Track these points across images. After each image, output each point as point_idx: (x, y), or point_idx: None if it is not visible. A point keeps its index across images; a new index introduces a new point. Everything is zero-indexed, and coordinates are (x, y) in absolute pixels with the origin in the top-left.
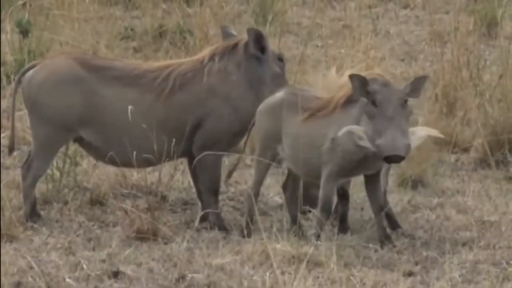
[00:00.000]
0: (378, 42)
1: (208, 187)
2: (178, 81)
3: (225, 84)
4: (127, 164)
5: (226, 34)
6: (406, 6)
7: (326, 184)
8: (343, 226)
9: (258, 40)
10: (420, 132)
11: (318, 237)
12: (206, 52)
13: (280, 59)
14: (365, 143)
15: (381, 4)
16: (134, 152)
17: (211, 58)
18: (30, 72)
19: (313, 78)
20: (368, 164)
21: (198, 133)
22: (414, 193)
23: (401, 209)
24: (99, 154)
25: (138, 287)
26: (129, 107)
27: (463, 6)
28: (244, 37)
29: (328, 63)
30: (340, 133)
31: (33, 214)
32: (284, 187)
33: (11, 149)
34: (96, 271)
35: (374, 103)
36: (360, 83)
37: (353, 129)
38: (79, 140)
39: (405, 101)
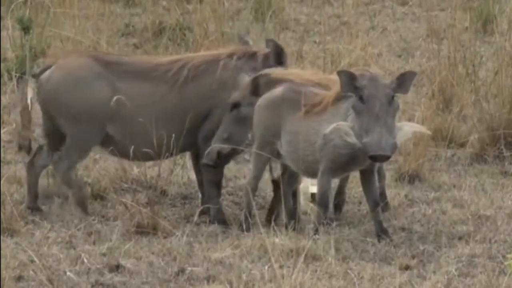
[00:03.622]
0: (375, 39)
1: (211, 179)
2: (191, 73)
3: (237, 80)
4: (147, 158)
5: (242, 42)
6: (403, 3)
7: (322, 179)
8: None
9: (279, 54)
10: (407, 128)
11: (316, 231)
12: (224, 50)
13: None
14: (352, 139)
15: (378, 1)
16: (148, 145)
17: (229, 56)
18: (46, 73)
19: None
20: (360, 159)
21: (205, 124)
22: (411, 188)
23: (398, 203)
24: (122, 150)
25: (138, 281)
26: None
27: (459, 3)
28: (264, 48)
29: (325, 60)
30: (328, 130)
31: (34, 208)
32: (280, 183)
33: (28, 150)
34: (96, 264)
35: (361, 99)
36: (348, 79)
37: (341, 125)
38: (104, 139)
39: (392, 97)
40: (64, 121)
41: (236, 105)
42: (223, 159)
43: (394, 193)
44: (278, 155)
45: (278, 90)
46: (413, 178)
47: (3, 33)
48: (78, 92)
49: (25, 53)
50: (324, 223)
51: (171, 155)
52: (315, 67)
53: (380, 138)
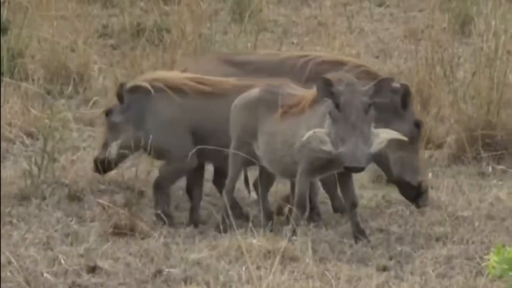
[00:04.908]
0: (353, 40)
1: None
2: (314, 70)
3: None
4: None
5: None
6: (380, 4)
7: (300, 181)
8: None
9: (406, 96)
10: (383, 135)
11: (294, 232)
12: (350, 59)
13: (417, 124)
14: (328, 147)
15: (355, 2)
16: None
17: (356, 67)
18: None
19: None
20: (337, 163)
21: None
22: (389, 189)
23: (375, 204)
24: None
25: (116, 282)
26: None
27: (437, 4)
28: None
29: None
30: (305, 137)
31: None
32: (256, 185)
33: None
34: (74, 266)
35: (337, 106)
36: (324, 84)
37: (317, 133)
38: None
39: (369, 105)
40: None
41: (107, 113)
42: (107, 165)
43: (371, 194)
44: (255, 156)
45: (255, 91)
46: None
47: None
48: None
49: (3, 54)
50: (301, 224)
51: None
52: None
53: (355, 149)
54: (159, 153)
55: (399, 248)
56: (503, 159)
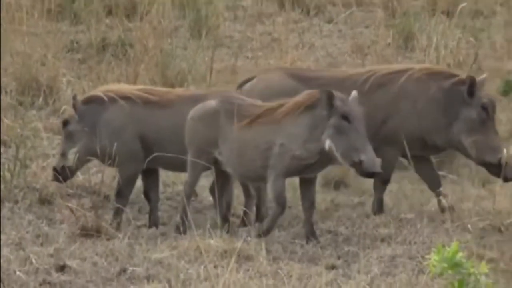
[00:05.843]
0: (304, 54)
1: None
2: (376, 82)
3: (418, 90)
4: None
5: None
6: (329, 21)
7: (276, 182)
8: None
9: (472, 85)
10: None
11: (268, 230)
12: (413, 65)
13: (484, 107)
14: (343, 160)
15: (306, 19)
16: None
17: (421, 70)
18: (248, 84)
19: None
20: (313, 168)
21: (382, 129)
22: (337, 193)
23: (325, 207)
24: None
25: (83, 280)
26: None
27: (382, 21)
28: (463, 76)
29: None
30: (326, 146)
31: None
32: (212, 190)
33: None
34: (44, 265)
35: (347, 118)
36: (327, 97)
37: (331, 145)
38: None
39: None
40: None
41: (64, 123)
42: (65, 173)
43: (321, 198)
44: (214, 162)
45: (211, 102)
46: (339, 184)
47: None
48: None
49: None
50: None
51: None
52: None
53: (373, 157)
54: (110, 159)
55: (346, 248)
56: (443, 165)
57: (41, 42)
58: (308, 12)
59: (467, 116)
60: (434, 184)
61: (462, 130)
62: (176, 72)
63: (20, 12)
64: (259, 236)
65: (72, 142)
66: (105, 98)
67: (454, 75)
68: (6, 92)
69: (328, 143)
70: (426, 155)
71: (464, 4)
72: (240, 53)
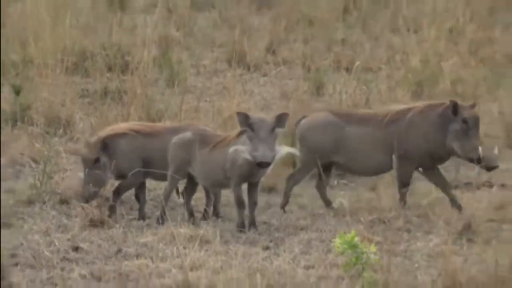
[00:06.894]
0: (246, 99)
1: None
2: (391, 118)
3: (422, 120)
4: (368, 173)
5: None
6: (264, 75)
7: (236, 189)
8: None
9: (455, 106)
10: (284, 149)
11: (241, 224)
12: (419, 103)
13: (465, 121)
14: (246, 155)
15: (248, 74)
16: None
17: (428, 107)
18: (302, 121)
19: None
20: (256, 173)
21: (399, 150)
22: (270, 196)
23: (260, 205)
24: (349, 171)
25: (91, 257)
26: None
27: (301, 75)
28: (446, 102)
29: (213, 113)
30: (230, 150)
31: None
32: (183, 193)
33: None
34: (64, 246)
35: (252, 129)
36: (244, 117)
37: (238, 148)
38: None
39: (273, 128)
40: (303, 150)
41: (96, 160)
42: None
43: (258, 199)
44: (188, 176)
45: (188, 134)
46: (271, 189)
47: (3, 95)
48: (318, 133)
49: (16, 108)
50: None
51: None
52: (209, 119)
53: (264, 152)
54: (120, 175)
55: (276, 235)
56: (345, 176)
57: (61, 90)
58: (249, 69)
59: (453, 129)
60: (444, 187)
61: (452, 139)
62: (156, 111)
63: (46, 69)
64: (240, 230)
65: (105, 173)
66: (128, 133)
67: (443, 103)
68: (36, 125)
69: (231, 149)
70: (434, 165)
71: (358, 63)
72: (201, 98)
